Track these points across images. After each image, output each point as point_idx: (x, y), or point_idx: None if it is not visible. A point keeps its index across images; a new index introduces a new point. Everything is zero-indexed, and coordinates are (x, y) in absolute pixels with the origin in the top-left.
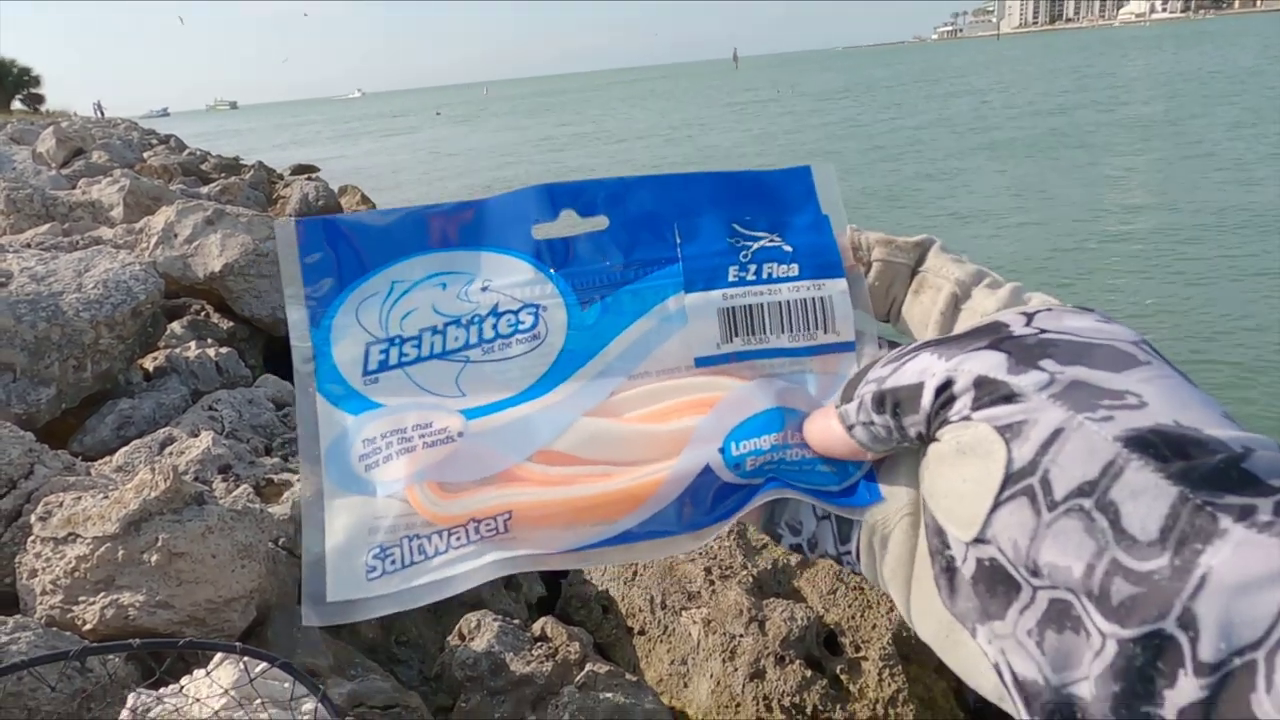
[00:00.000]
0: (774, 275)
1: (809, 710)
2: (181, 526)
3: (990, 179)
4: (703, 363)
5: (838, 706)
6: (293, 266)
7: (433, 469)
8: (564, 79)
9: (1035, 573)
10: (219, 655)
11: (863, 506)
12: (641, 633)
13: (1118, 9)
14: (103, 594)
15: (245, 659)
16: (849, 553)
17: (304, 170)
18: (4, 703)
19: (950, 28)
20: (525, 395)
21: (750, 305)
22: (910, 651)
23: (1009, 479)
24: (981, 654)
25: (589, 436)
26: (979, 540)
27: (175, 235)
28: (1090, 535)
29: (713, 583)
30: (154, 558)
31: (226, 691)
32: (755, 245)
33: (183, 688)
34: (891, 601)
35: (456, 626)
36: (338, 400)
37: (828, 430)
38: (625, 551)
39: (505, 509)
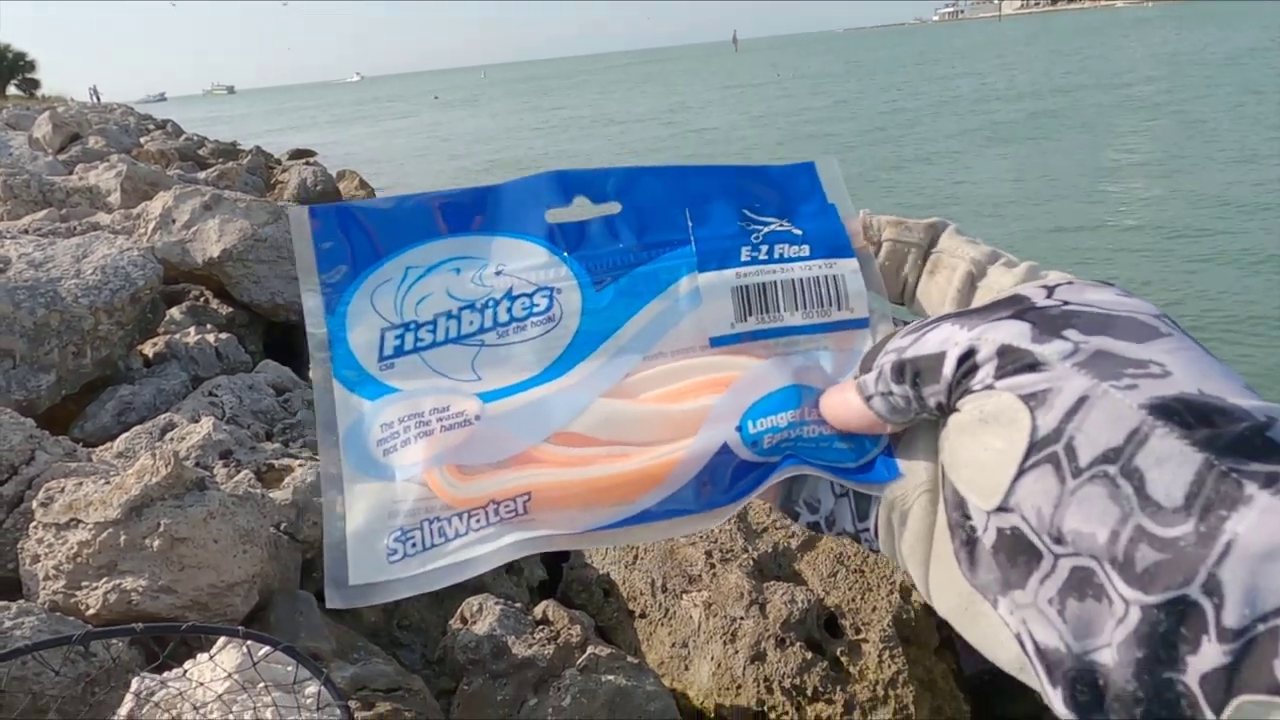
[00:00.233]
0: (786, 255)
1: (809, 692)
2: (183, 512)
3: (990, 162)
4: (718, 342)
5: (838, 688)
6: (307, 254)
7: (451, 452)
8: (562, 63)
9: (1058, 540)
10: (222, 639)
11: (881, 483)
12: (643, 616)
13: None
14: (105, 579)
15: (248, 643)
16: (867, 530)
17: (302, 155)
18: (8, 687)
19: (951, 9)
20: (541, 378)
21: (764, 283)
22: (910, 634)
23: (1033, 446)
24: (1003, 625)
25: (606, 418)
26: (1001, 509)
27: (173, 221)
28: (1115, 502)
29: (713, 566)
30: (156, 543)
31: (230, 675)
32: (766, 229)
33: (186, 672)
34: (891, 584)
35: (458, 610)
36: (354, 386)
37: (845, 403)
38: (643, 531)
39: (524, 490)
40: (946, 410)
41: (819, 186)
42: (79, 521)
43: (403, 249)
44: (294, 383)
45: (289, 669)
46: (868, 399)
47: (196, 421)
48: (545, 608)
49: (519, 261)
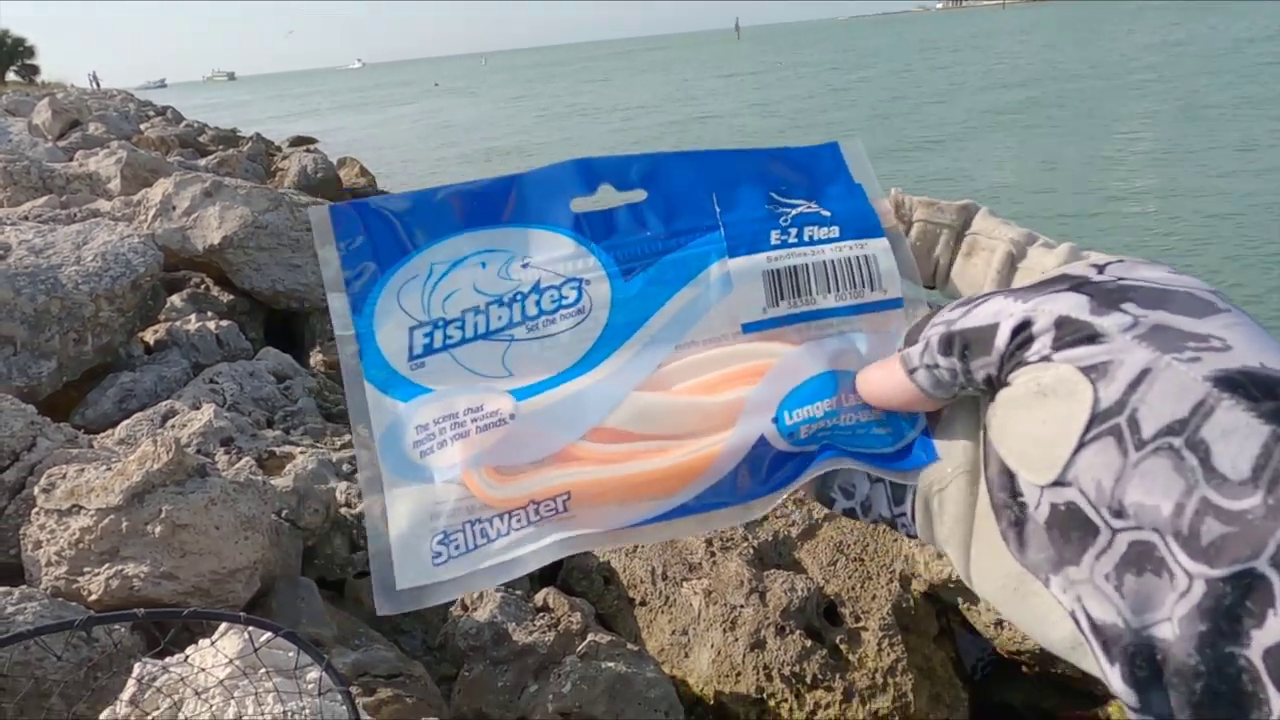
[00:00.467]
0: (816, 238)
1: (809, 679)
2: (184, 498)
3: (994, 149)
4: (750, 328)
5: (837, 676)
6: (330, 253)
7: (488, 453)
8: (563, 49)
9: (1119, 514)
10: (224, 625)
11: (918, 468)
12: (643, 603)
13: None
14: (107, 565)
15: (250, 629)
16: (903, 514)
17: (302, 142)
18: (11, 672)
19: None
20: (573, 371)
21: (795, 266)
22: (909, 622)
23: (1094, 419)
24: (1055, 603)
25: (640, 411)
26: (1058, 483)
27: (173, 208)
28: (1180, 474)
29: (713, 554)
30: (158, 529)
31: (231, 661)
32: (794, 211)
33: (188, 657)
34: (891, 573)
35: (459, 597)
36: (386, 387)
37: (886, 377)
38: (682, 524)
39: (564, 489)
40: (996, 384)
41: (844, 167)
42: (81, 508)
43: (427, 244)
44: (294, 370)
45: (290, 655)
46: (911, 372)
47: (198, 409)
48: (546, 595)
49: (546, 253)
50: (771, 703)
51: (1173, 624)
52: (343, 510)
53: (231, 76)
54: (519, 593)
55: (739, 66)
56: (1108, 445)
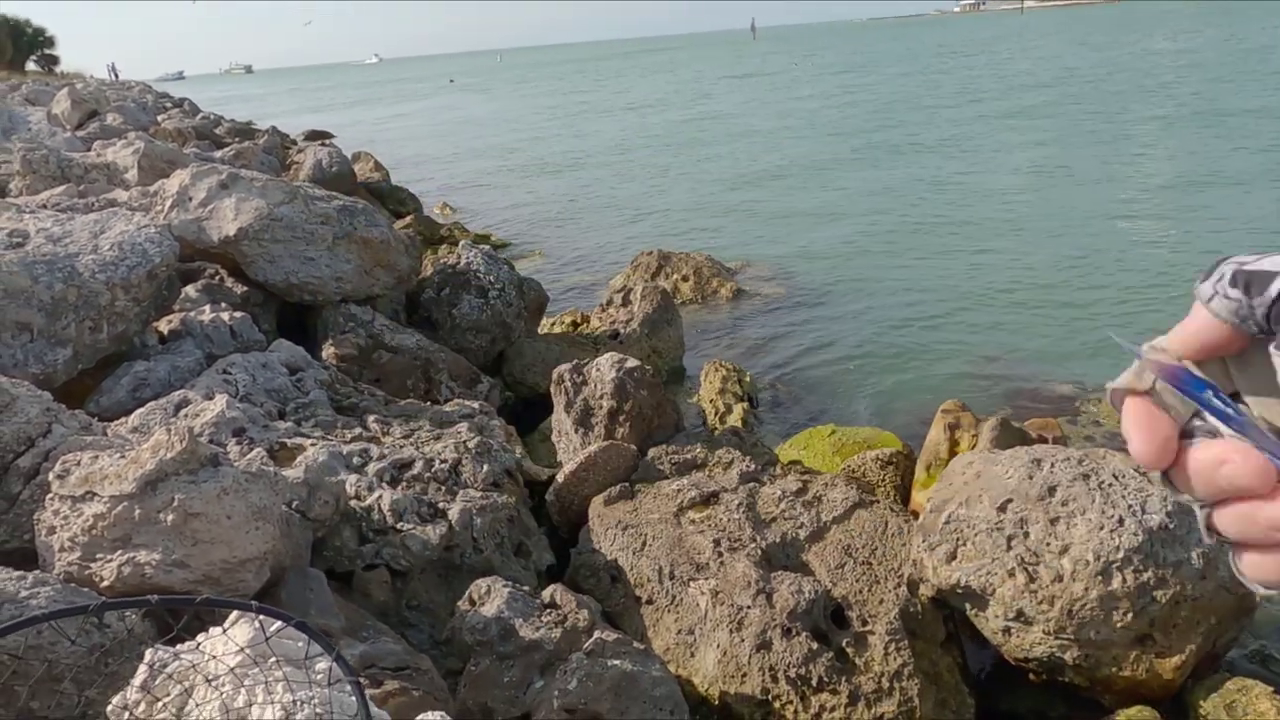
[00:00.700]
0: None
1: (814, 682)
2: (197, 487)
3: (1010, 153)
4: None
5: (843, 679)
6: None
7: None
8: (577, 47)
9: None
10: (235, 614)
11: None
12: (649, 602)
13: None
14: (120, 552)
15: (260, 618)
16: None
17: (318, 136)
18: (24, 655)
19: (973, 1)
20: None
21: None
22: (917, 627)
23: None
24: None
25: None
26: None
27: (190, 199)
28: None
29: (721, 554)
30: (170, 517)
31: (242, 649)
32: None
33: (199, 645)
34: (899, 577)
35: (467, 592)
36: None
37: (1187, 322)
38: None
39: None
40: (1266, 332)
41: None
42: (94, 494)
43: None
44: (307, 362)
45: (300, 645)
46: (1208, 300)
47: (211, 399)
48: (553, 591)
49: None
50: (776, 704)
51: None
52: (352, 502)
53: (249, 70)
54: (526, 589)
55: (754, 67)
56: None
